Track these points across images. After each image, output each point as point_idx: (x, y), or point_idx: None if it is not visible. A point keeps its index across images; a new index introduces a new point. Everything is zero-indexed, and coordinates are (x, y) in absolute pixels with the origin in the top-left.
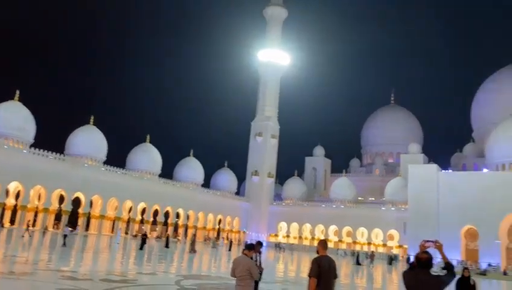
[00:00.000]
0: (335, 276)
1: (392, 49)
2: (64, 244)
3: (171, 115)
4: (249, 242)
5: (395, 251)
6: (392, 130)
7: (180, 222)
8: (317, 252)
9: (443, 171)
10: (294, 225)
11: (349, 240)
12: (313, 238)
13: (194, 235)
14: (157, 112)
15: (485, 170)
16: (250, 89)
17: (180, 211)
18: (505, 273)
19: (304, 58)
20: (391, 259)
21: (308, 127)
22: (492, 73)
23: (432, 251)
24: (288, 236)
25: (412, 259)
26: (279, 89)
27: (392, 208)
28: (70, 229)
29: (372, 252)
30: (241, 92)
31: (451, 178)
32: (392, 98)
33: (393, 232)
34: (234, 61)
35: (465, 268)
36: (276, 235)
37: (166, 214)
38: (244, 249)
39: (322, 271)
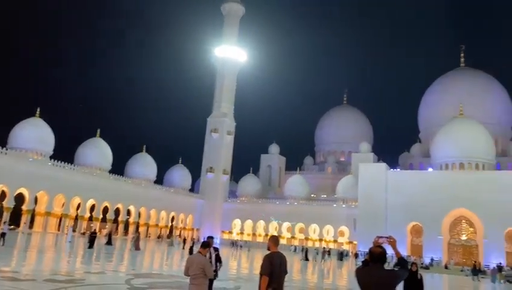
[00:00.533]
0: (285, 272)
1: (346, 50)
2: (3, 243)
3: (123, 111)
4: (204, 240)
5: (345, 247)
6: (344, 130)
7: (131, 219)
8: (268, 249)
9: (391, 170)
10: (249, 222)
11: (302, 236)
12: (266, 235)
13: (138, 232)
14: (108, 108)
15: (430, 170)
16: (206, 86)
17: (132, 208)
18: (446, 267)
19: (261, 56)
20: (342, 255)
21: (263, 124)
22: (439, 76)
23: (386, 246)
24: (242, 233)
25: (360, 255)
26: (236, 85)
27: (343, 205)
28: (9, 227)
29: (324, 248)
30: (198, 88)
31: (399, 177)
32: (345, 98)
33: (343, 228)
34: (190, 57)
35: (413, 263)
36: (230, 233)
37: (117, 211)
38: (200, 247)
39: (274, 268)
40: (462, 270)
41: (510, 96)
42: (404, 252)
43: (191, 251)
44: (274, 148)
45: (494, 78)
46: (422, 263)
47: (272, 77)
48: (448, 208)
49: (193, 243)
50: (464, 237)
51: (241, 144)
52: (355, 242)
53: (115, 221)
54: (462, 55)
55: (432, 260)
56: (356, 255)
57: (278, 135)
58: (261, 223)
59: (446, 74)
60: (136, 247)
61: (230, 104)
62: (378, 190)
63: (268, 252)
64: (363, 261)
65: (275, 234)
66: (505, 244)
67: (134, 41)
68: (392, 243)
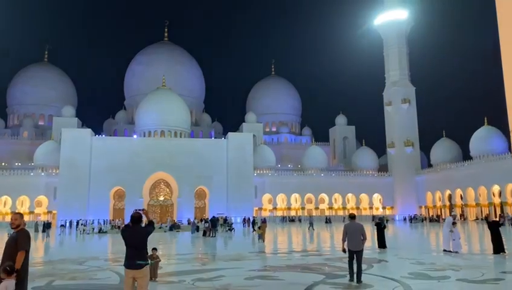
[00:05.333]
0: None
1: (47, 1)
2: None
3: None
4: None
5: (43, 218)
6: (45, 91)
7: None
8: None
9: (96, 136)
10: None
11: None
12: None
13: None
14: None
15: (134, 136)
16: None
17: None
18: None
19: None
20: (44, 226)
21: None
22: (145, 47)
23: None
24: None
25: (61, 223)
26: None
27: (42, 173)
28: None
29: (47, 221)
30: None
31: (104, 143)
32: (46, 56)
33: (42, 198)
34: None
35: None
36: None
37: None
38: None
39: None
40: (160, 227)
41: (203, 72)
42: (107, 216)
43: None
44: None
45: (191, 55)
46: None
47: None
48: (149, 172)
49: None
50: (161, 198)
51: None
52: (54, 211)
53: None
54: (165, 30)
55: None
56: (47, 225)
57: None
58: None
59: (151, 46)
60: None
61: None
62: (82, 156)
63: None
64: (126, 225)
65: None
66: (194, 201)
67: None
68: (146, 212)
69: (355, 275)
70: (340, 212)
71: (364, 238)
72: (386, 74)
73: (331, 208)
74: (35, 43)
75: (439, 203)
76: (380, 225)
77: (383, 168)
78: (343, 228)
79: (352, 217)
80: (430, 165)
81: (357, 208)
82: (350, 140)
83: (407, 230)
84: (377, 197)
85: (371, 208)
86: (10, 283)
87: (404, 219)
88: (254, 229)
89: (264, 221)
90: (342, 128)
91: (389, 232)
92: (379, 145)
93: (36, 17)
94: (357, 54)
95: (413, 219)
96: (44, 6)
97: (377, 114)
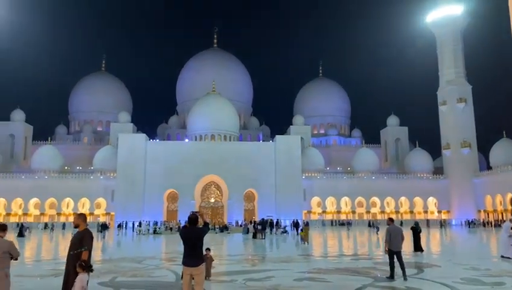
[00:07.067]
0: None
1: (104, 15)
2: None
3: None
4: None
5: (102, 219)
6: (103, 98)
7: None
8: (76, 226)
9: (151, 140)
10: None
11: (53, 212)
12: (8, 214)
13: None
14: None
15: (186, 140)
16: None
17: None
18: None
19: (4, 5)
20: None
21: (4, 87)
22: (196, 53)
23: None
24: None
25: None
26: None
27: (101, 177)
28: None
29: (105, 222)
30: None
31: (157, 147)
32: (103, 65)
33: (100, 200)
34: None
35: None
36: None
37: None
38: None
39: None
40: (212, 229)
41: (251, 78)
42: (160, 217)
43: None
44: (18, 115)
45: (239, 60)
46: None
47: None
48: (200, 174)
49: None
50: (212, 200)
51: None
52: (112, 213)
53: None
54: (215, 36)
55: (186, 222)
56: (104, 226)
57: (24, 100)
58: (1, 201)
59: (201, 53)
60: None
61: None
62: (138, 160)
63: (76, 229)
64: (183, 226)
65: (20, 212)
66: (244, 203)
67: None
68: (201, 214)
69: (395, 274)
70: (392, 217)
71: (403, 240)
72: (440, 72)
73: (383, 212)
74: (94, 54)
75: (500, 207)
76: (416, 229)
77: (437, 171)
78: (386, 230)
79: (392, 220)
80: (489, 167)
81: (411, 211)
82: (403, 141)
83: (464, 235)
84: (432, 200)
85: (425, 212)
86: (84, 276)
87: (462, 224)
88: (298, 232)
89: (306, 224)
90: (394, 130)
91: (441, 236)
92: (433, 147)
93: (93, 29)
94: (409, 52)
95: (471, 224)
96: (100, 20)
97: (430, 114)
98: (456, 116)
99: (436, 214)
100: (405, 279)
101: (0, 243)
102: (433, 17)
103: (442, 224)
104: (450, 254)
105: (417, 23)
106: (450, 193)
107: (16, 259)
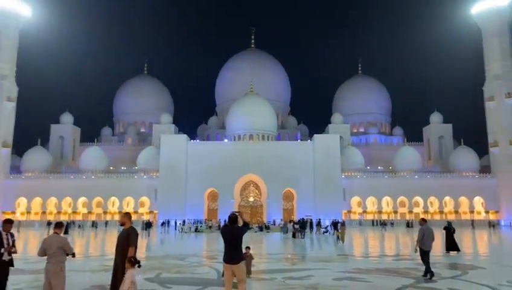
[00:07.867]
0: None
1: (145, 21)
2: None
3: None
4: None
5: (146, 217)
6: (145, 100)
7: None
8: (122, 225)
9: (191, 141)
10: (38, 200)
11: (100, 210)
12: (59, 213)
13: None
14: None
15: (225, 140)
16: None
17: None
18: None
19: (55, 13)
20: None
21: (54, 91)
22: (234, 54)
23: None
24: (29, 212)
25: (160, 222)
26: (19, 44)
27: (144, 177)
28: None
29: (149, 220)
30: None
31: (198, 147)
32: (145, 69)
33: (144, 199)
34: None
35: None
36: (14, 213)
37: None
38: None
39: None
40: (251, 228)
41: (289, 77)
42: (201, 216)
43: None
44: (67, 118)
45: (277, 60)
46: (219, 225)
47: (65, 38)
48: (239, 174)
49: None
50: (251, 199)
51: (26, 112)
52: (156, 212)
53: None
54: (252, 37)
55: (225, 221)
56: (148, 224)
57: (72, 104)
58: (52, 200)
59: (239, 54)
60: None
61: (11, 64)
62: (179, 160)
63: (123, 227)
64: (224, 225)
65: (69, 210)
66: (282, 202)
67: None
68: (241, 214)
69: (431, 267)
70: (437, 217)
71: (433, 240)
72: (486, 66)
73: (426, 211)
74: (136, 58)
75: None
76: (449, 229)
77: (484, 169)
78: (420, 231)
79: (424, 220)
80: None
81: (456, 212)
82: (446, 139)
83: None
84: (478, 200)
85: (471, 212)
86: (134, 271)
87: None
88: (333, 232)
89: (343, 224)
90: (437, 127)
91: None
92: (480, 145)
93: (135, 34)
94: (453, 46)
95: None
96: (143, 26)
97: (476, 111)
98: (504, 112)
99: (483, 214)
100: (430, 278)
101: (54, 239)
102: (478, 9)
103: (492, 224)
104: (497, 255)
105: (461, 15)
106: (498, 193)
107: (73, 255)
